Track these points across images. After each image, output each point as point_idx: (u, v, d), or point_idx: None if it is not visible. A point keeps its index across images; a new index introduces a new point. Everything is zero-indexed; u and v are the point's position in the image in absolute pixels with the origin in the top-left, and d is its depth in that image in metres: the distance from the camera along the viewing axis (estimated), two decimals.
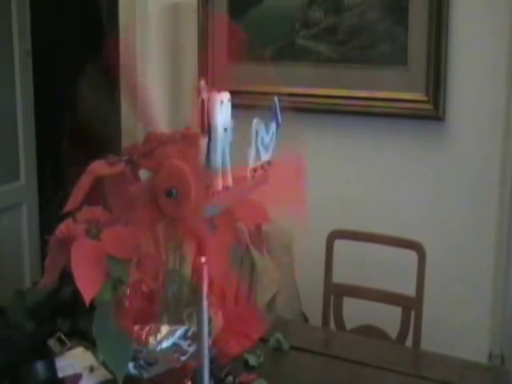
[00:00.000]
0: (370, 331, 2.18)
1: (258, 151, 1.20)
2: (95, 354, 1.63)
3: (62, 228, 1.25)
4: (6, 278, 3.03)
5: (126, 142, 2.69)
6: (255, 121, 1.18)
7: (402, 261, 2.26)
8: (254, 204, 1.31)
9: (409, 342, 2.16)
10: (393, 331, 2.19)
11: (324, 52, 2.57)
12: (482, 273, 2.42)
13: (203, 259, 1.20)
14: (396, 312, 2.18)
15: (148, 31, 2.82)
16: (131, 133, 2.40)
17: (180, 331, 1.38)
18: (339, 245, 2.29)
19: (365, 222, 2.43)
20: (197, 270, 1.22)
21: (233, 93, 1.17)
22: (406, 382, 1.74)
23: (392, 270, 2.42)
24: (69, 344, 1.73)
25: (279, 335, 1.87)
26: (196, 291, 1.21)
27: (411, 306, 2.16)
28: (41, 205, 3.60)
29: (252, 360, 1.74)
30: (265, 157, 1.22)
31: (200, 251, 1.21)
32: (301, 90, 2.55)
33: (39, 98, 3.55)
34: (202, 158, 1.14)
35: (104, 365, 1.53)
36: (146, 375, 1.41)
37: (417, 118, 2.45)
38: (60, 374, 1.62)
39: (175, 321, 1.38)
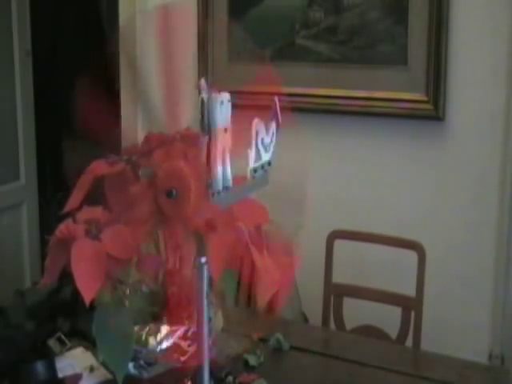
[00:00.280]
0: (369, 331, 2.18)
1: (258, 151, 1.20)
2: (95, 354, 1.63)
3: (62, 228, 1.25)
4: (6, 278, 3.03)
5: (125, 142, 2.69)
6: (255, 121, 1.18)
7: (401, 261, 2.26)
8: (254, 204, 1.31)
9: (409, 342, 2.16)
10: (393, 331, 2.19)
11: (324, 52, 2.57)
12: (482, 273, 2.42)
13: (203, 259, 1.20)
14: (396, 312, 2.18)
15: (148, 31, 2.82)
16: (131, 133, 2.40)
17: (180, 331, 1.39)
18: (339, 245, 2.29)
19: (365, 222, 2.43)
20: (197, 270, 1.22)
21: (233, 93, 1.17)
22: (405, 382, 1.74)
23: (392, 270, 2.42)
24: (69, 344, 1.73)
25: (279, 335, 1.87)
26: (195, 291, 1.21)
27: (411, 306, 2.16)
28: (41, 205, 3.60)
29: (252, 360, 1.74)
30: (265, 157, 1.22)
31: (200, 251, 1.20)
32: (301, 90, 2.55)
33: (39, 98, 3.55)
34: (202, 158, 1.14)
35: (104, 365, 1.54)
36: (146, 375, 1.42)
37: (417, 118, 2.45)
38: (60, 374, 1.62)
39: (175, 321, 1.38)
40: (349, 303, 2.27)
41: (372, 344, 2.00)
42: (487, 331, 2.43)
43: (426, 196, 2.49)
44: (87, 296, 1.16)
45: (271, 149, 1.23)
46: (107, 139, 1.32)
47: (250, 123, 1.17)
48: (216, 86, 1.16)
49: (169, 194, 1.14)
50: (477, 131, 2.39)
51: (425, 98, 2.41)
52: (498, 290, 2.40)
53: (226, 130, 1.14)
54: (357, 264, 2.48)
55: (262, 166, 1.22)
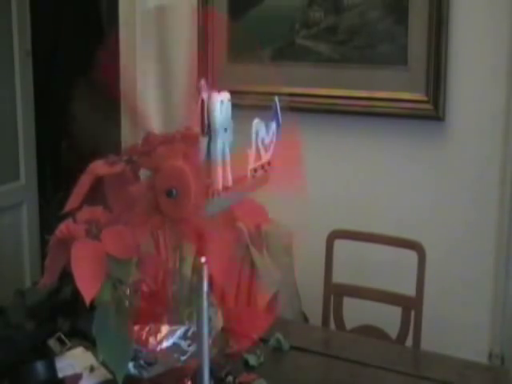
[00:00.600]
0: (370, 331, 2.18)
1: (258, 151, 1.20)
2: (95, 354, 1.63)
3: (62, 228, 1.25)
4: (6, 278, 3.03)
5: (125, 143, 2.69)
6: (255, 121, 1.18)
7: (402, 261, 2.26)
8: (254, 204, 1.31)
9: (409, 342, 2.16)
10: (393, 331, 2.19)
11: (324, 52, 2.57)
12: (482, 273, 2.42)
13: (203, 259, 1.20)
14: (396, 312, 2.18)
15: (148, 31, 2.82)
16: (131, 134, 2.40)
17: (180, 331, 1.39)
18: (339, 245, 2.29)
19: (365, 222, 2.43)
20: (197, 270, 1.22)
21: (233, 93, 1.17)
22: (405, 382, 1.74)
23: (392, 270, 2.42)
24: (69, 344, 1.73)
25: (279, 335, 1.87)
26: (195, 291, 1.21)
27: (411, 306, 2.16)
28: (41, 205, 3.60)
29: (252, 360, 1.74)
30: (265, 157, 1.22)
31: (200, 251, 1.21)
32: (301, 90, 2.55)
33: (39, 98, 3.55)
34: (202, 158, 1.14)
35: (104, 365, 1.53)
36: (146, 375, 1.42)
37: (417, 117, 2.45)
38: (60, 374, 1.62)
39: (175, 321, 1.38)
40: (349, 303, 2.27)
41: (372, 344, 2.00)
42: (487, 331, 2.43)
43: (426, 196, 2.49)
44: (87, 296, 1.16)
45: (271, 149, 1.23)
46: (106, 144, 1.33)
47: (250, 123, 1.17)
48: (216, 85, 1.16)
49: (169, 194, 1.14)
50: (477, 131, 2.39)
51: (425, 98, 2.41)
52: (498, 290, 2.40)
53: (225, 129, 1.14)
54: (357, 264, 2.48)
55: (262, 166, 1.22)
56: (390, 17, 2.44)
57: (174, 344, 1.38)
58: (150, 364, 1.41)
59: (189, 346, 1.37)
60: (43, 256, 1.32)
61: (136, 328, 1.37)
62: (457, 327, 2.44)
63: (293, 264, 2.49)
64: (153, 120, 1.34)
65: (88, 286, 1.17)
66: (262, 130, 1.19)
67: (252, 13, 2.67)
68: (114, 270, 1.20)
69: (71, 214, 1.29)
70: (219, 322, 1.44)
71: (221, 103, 1.13)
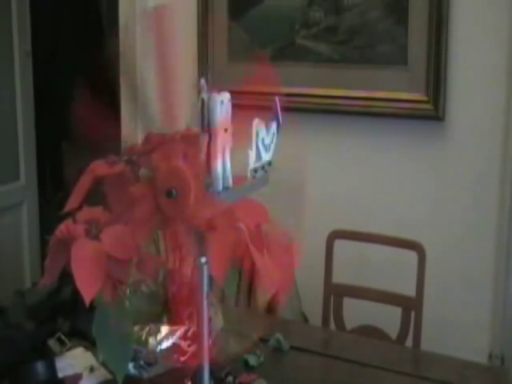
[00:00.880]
0: (370, 331, 2.18)
1: (258, 152, 1.20)
2: (95, 354, 1.63)
3: (62, 228, 1.25)
4: (6, 278, 3.03)
5: (125, 142, 2.69)
6: (256, 121, 1.18)
7: (402, 261, 2.26)
8: (254, 204, 1.31)
9: (409, 342, 2.16)
10: (393, 331, 2.19)
11: (324, 52, 2.57)
12: (482, 273, 2.42)
13: (203, 259, 1.20)
14: (396, 312, 2.18)
15: (148, 31, 2.81)
16: (131, 133, 2.40)
17: (180, 331, 1.39)
18: (339, 245, 2.29)
19: (365, 222, 2.43)
20: (197, 270, 1.22)
21: (233, 93, 1.17)
22: (405, 382, 1.74)
23: (392, 270, 2.42)
24: (69, 344, 1.73)
25: (279, 335, 1.87)
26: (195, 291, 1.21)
27: (411, 306, 2.16)
28: (41, 205, 3.60)
29: (252, 360, 1.74)
30: (265, 157, 1.22)
31: (200, 251, 1.20)
32: (301, 90, 2.55)
33: (39, 99, 3.55)
34: (202, 158, 1.14)
35: (104, 365, 1.53)
36: (146, 375, 1.42)
37: (417, 118, 2.45)
38: (60, 374, 1.62)
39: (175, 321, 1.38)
40: (349, 303, 2.27)
41: (372, 344, 2.00)
42: (487, 331, 2.43)
43: (425, 196, 2.49)
44: (87, 296, 1.16)
45: (272, 149, 1.23)
46: (106, 143, 1.32)
47: (251, 123, 1.17)
48: (216, 85, 1.15)
49: (169, 194, 1.14)
50: (477, 131, 2.39)
51: (425, 98, 2.41)
52: (498, 290, 2.40)
53: (226, 129, 1.14)
54: (357, 264, 2.48)
55: (263, 167, 1.22)
56: (390, 17, 2.44)
57: (174, 344, 1.38)
58: (149, 364, 1.41)
59: (189, 346, 1.37)
60: (43, 256, 1.32)
61: (136, 328, 1.37)
62: (457, 327, 2.44)
63: None
64: (153, 119, 1.34)
65: (88, 286, 1.17)
66: (263, 130, 1.19)
67: (252, 13, 2.67)
68: (114, 270, 1.20)
69: (71, 214, 1.29)
70: (219, 322, 1.44)
71: (221, 103, 1.13)
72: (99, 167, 1.34)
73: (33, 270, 3.40)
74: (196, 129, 1.16)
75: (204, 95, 1.13)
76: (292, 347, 1.86)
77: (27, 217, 3.45)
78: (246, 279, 1.27)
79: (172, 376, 1.41)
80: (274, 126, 1.23)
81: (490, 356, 2.43)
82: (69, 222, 1.26)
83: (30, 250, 3.45)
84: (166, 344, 1.38)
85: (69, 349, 1.72)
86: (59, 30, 4.21)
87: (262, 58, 2.46)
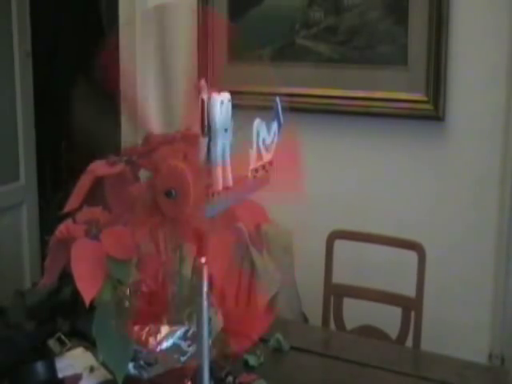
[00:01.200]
0: (370, 331, 2.18)
1: (259, 151, 1.20)
2: (95, 354, 1.63)
3: (62, 228, 1.25)
4: (6, 278, 3.03)
5: (125, 143, 2.70)
6: (256, 121, 1.18)
7: (401, 261, 2.26)
8: (254, 204, 1.31)
9: (409, 342, 2.16)
10: (393, 331, 2.19)
11: (324, 52, 2.57)
12: (482, 273, 2.42)
13: (203, 259, 1.20)
14: (396, 312, 2.18)
15: (148, 31, 2.82)
16: (131, 133, 2.40)
17: (180, 331, 1.39)
18: (339, 245, 2.29)
19: (365, 223, 2.43)
20: (197, 270, 1.22)
21: (233, 93, 1.17)
22: (405, 382, 1.74)
23: (392, 271, 2.42)
24: (69, 344, 1.73)
25: (279, 335, 1.87)
26: (195, 291, 1.21)
27: (411, 307, 2.16)
28: (41, 205, 3.60)
29: (252, 360, 1.74)
30: (266, 157, 1.22)
31: (200, 251, 1.20)
32: (300, 90, 2.55)
33: (39, 99, 3.55)
34: (202, 158, 1.14)
35: (104, 365, 1.53)
36: (145, 375, 1.42)
37: (417, 118, 2.45)
38: (60, 375, 1.62)
39: (175, 321, 1.38)
40: (349, 303, 2.27)
41: (372, 344, 2.00)
42: (487, 331, 2.43)
43: (425, 196, 2.49)
44: (87, 296, 1.16)
45: (272, 149, 1.23)
46: (106, 143, 1.33)
47: (251, 123, 1.17)
48: (216, 86, 1.15)
49: (168, 194, 1.14)
50: (477, 131, 2.39)
51: (425, 98, 2.41)
52: (498, 290, 2.40)
53: (226, 130, 1.14)
54: (357, 264, 2.48)
55: (263, 166, 1.22)
56: (390, 17, 2.44)
57: (174, 344, 1.38)
58: (149, 364, 1.41)
59: (189, 346, 1.37)
60: (43, 256, 1.32)
61: (136, 328, 1.37)
62: (457, 327, 2.44)
63: (293, 264, 2.49)
64: (153, 120, 1.34)
65: (88, 286, 1.17)
66: (263, 130, 1.19)
67: (252, 13, 2.67)
68: (114, 270, 1.20)
69: (71, 214, 1.29)
70: (219, 322, 1.44)
71: (221, 103, 1.13)
72: (99, 167, 1.34)
73: (33, 270, 3.40)
74: (196, 129, 1.16)
75: (204, 95, 1.13)
76: (292, 347, 1.86)
77: (27, 217, 3.45)
78: (245, 279, 1.27)
79: (172, 376, 1.41)
80: (274, 125, 1.23)
81: (490, 356, 2.43)
82: (69, 222, 1.26)
83: (30, 250, 3.45)
84: (165, 344, 1.38)
85: (69, 349, 1.72)
86: (59, 30, 4.21)
87: (262, 57, 2.46)
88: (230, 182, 1.16)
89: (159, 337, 1.38)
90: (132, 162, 1.33)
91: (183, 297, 1.38)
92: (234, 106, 1.16)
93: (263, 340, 1.83)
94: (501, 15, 2.30)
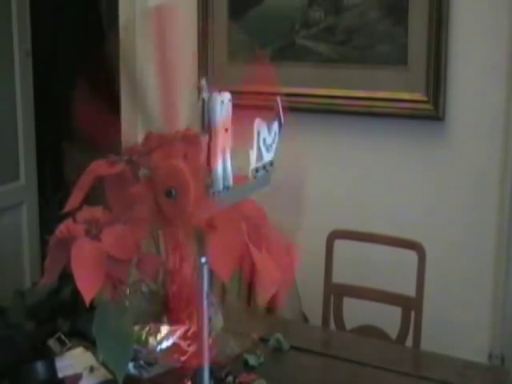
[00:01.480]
0: (370, 331, 2.18)
1: (259, 152, 1.19)
2: (95, 354, 1.63)
3: (62, 228, 1.25)
4: (6, 278, 3.03)
5: (125, 142, 2.69)
6: (257, 121, 1.18)
7: (402, 261, 2.26)
8: (254, 204, 1.31)
9: (409, 342, 2.16)
10: (393, 331, 2.19)
11: (324, 52, 2.57)
12: (482, 273, 2.42)
13: (203, 259, 1.20)
14: (396, 312, 2.18)
15: (148, 31, 2.81)
16: (131, 133, 2.40)
17: (180, 331, 1.38)
18: (339, 245, 2.29)
19: (365, 222, 2.43)
20: (197, 270, 1.22)
21: (233, 93, 1.17)
22: (405, 382, 1.74)
23: (392, 270, 2.42)
24: (69, 344, 1.73)
25: (279, 335, 1.87)
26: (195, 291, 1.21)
27: (411, 306, 2.16)
28: (41, 205, 3.60)
29: (252, 360, 1.74)
30: (267, 157, 1.22)
31: (200, 251, 1.20)
32: (301, 90, 2.55)
33: (39, 98, 3.55)
34: (202, 158, 1.14)
35: (104, 365, 1.53)
36: (145, 375, 1.42)
37: (417, 118, 2.45)
38: (60, 374, 1.62)
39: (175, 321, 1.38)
40: (349, 303, 2.27)
41: (372, 344, 2.00)
42: (487, 331, 2.43)
43: (425, 196, 2.49)
44: (87, 296, 1.16)
45: (273, 149, 1.23)
46: (106, 142, 1.32)
47: (252, 123, 1.17)
48: (216, 85, 1.15)
49: (168, 194, 1.14)
50: (477, 131, 2.39)
51: (425, 98, 2.41)
52: (498, 290, 2.40)
53: (226, 129, 1.14)
54: (357, 264, 2.48)
55: (264, 166, 1.22)
56: (389, 17, 2.44)
57: (174, 344, 1.38)
58: (150, 364, 1.41)
59: (189, 346, 1.37)
60: (43, 256, 1.32)
61: (136, 328, 1.37)
62: (457, 327, 2.44)
63: None
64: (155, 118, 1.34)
65: (88, 286, 1.17)
66: (264, 130, 1.19)
67: (252, 13, 2.67)
68: (114, 270, 1.20)
69: (71, 214, 1.29)
70: (219, 322, 1.44)
71: (221, 103, 1.13)
72: (99, 167, 1.34)
73: (33, 270, 3.40)
74: (196, 129, 1.16)
75: (204, 95, 1.13)
76: (292, 347, 1.86)
77: (27, 217, 3.45)
78: (246, 279, 1.27)
79: (172, 376, 1.41)
80: (275, 125, 1.23)
81: (490, 356, 2.43)
82: (69, 221, 1.26)
83: (30, 250, 3.45)
84: (166, 344, 1.38)
85: (69, 349, 1.72)
86: (59, 30, 4.21)
87: (262, 58, 2.46)
88: (231, 182, 1.16)
89: (159, 337, 1.38)
90: (132, 162, 1.33)
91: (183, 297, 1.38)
92: (235, 106, 1.16)
93: (263, 340, 1.83)
94: (500, 15, 2.30)
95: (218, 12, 2.72)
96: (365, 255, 2.44)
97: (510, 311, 2.39)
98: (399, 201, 2.53)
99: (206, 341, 1.23)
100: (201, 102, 1.13)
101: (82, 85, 1.31)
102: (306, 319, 2.52)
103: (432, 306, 2.24)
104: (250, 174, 1.19)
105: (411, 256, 2.16)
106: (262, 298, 1.37)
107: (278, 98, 1.23)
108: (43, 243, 3.06)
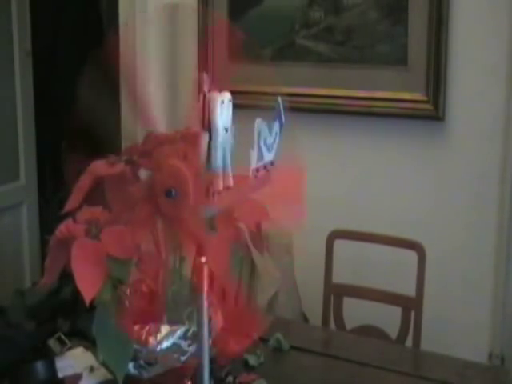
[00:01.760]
0: (370, 331, 2.18)
1: (260, 151, 1.19)
2: (95, 354, 1.63)
3: (62, 228, 1.25)
4: (6, 278, 3.03)
5: (126, 142, 2.69)
6: (258, 121, 1.18)
7: (402, 261, 2.26)
8: (255, 204, 1.31)
9: (409, 342, 2.16)
10: (393, 331, 2.19)
11: (324, 52, 2.57)
12: (482, 273, 2.42)
13: (203, 259, 1.20)
14: (396, 312, 2.18)
15: (148, 31, 2.82)
16: (131, 133, 2.40)
17: (180, 331, 1.39)
18: (339, 245, 2.29)
19: (365, 222, 2.43)
20: (197, 270, 1.22)
21: (233, 93, 1.17)
22: (405, 382, 1.74)
23: (392, 270, 2.42)
24: (69, 344, 1.73)
25: (279, 335, 1.87)
26: (195, 291, 1.21)
27: (411, 306, 2.16)
28: (41, 205, 3.60)
29: (252, 360, 1.74)
30: (268, 157, 1.22)
31: (200, 251, 1.20)
32: (301, 90, 2.55)
33: (39, 98, 3.55)
34: (203, 157, 1.14)
35: (104, 365, 1.53)
36: (145, 375, 1.42)
37: (417, 117, 2.45)
38: (60, 374, 1.62)
39: (175, 321, 1.38)
40: (349, 303, 2.27)
41: (372, 344, 2.00)
42: (487, 331, 2.43)
43: (425, 196, 2.49)
44: (87, 296, 1.16)
45: (274, 149, 1.23)
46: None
47: (251, 123, 1.17)
48: (216, 85, 1.15)
49: (168, 194, 1.14)
50: (477, 131, 2.39)
51: (425, 98, 2.41)
52: (498, 290, 2.40)
53: (226, 129, 1.14)
54: (357, 264, 2.48)
55: (265, 166, 1.22)
56: (389, 17, 2.44)
57: (174, 344, 1.38)
58: (150, 364, 1.41)
59: (189, 345, 1.37)
60: (43, 256, 1.32)
61: (136, 328, 1.37)
62: (457, 327, 2.44)
63: (293, 264, 2.49)
64: (157, 119, 1.33)
65: (88, 286, 1.17)
66: (265, 130, 1.19)
67: (252, 13, 2.67)
68: (114, 270, 1.20)
69: (71, 213, 1.29)
70: (219, 322, 1.44)
71: (221, 103, 1.13)
72: (99, 167, 1.33)
73: (33, 270, 3.40)
74: (196, 129, 1.16)
75: (206, 89, 1.13)
76: (292, 347, 1.87)
77: (27, 217, 3.45)
78: (246, 279, 1.27)
79: (172, 376, 1.41)
80: (276, 125, 1.23)
81: (490, 356, 2.43)
82: (69, 221, 1.26)
83: (30, 250, 3.44)
84: (165, 344, 1.38)
85: (69, 349, 1.73)
86: (59, 30, 4.20)
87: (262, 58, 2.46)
88: (231, 182, 1.16)
89: (159, 336, 1.37)
90: (132, 162, 1.33)
91: (183, 297, 1.38)
92: (235, 106, 1.16)
93: (263, 340, 1.83)
94: (501, 15, 2.30)
95: (218, 12, 2.71)
96: (365, 255, 2.44)
97: (510, 311, 2.39)
98: (399, 201, 2.53)
99: (206, 341, 1.23)
100: (202, 98, 1.13)
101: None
102: (306, 319, 2.52)
103: (432, 306, 2.24)
104: (250, 174, 1.19)
105: (411, 256, 2.16)
106: (262, 297, 1.37)
107: (279, 98, 1.23)
108: (43, 243, 3.06)
